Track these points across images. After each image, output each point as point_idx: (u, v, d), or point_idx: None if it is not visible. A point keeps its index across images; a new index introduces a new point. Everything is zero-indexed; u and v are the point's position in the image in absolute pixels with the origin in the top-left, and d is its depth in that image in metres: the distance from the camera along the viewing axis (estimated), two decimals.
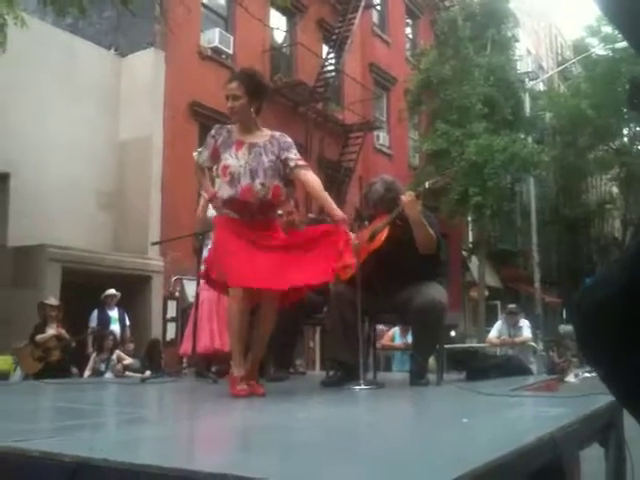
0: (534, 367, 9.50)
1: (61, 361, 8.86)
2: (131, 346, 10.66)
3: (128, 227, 13.43)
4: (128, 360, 10.14)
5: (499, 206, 21.16)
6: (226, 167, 3.69)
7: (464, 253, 25.57)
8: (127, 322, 10.80)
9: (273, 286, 3.56)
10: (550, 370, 16.12)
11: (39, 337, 8.77)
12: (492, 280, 25.68)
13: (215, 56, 15.26)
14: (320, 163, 17.60)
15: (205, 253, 5.16)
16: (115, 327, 10.43)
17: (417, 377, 4.36)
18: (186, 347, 5.52)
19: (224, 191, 3.69)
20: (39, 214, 11.67)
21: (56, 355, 8.79)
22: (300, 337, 6.77)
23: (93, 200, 13.17)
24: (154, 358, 10.50)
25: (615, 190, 38.11)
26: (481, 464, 1.44)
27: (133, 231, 13.25)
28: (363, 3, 19.35)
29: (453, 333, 20.05)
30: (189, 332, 5.43)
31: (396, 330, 9.34)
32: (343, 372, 4.37)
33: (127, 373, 9.73)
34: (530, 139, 22.79)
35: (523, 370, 5.59)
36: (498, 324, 10.67)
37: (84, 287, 10.93)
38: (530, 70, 27.17)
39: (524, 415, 3.05)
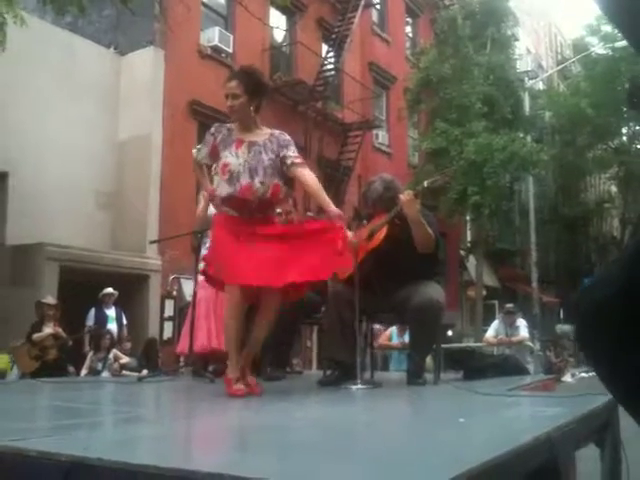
0: (531, 367, 9.51)
1: (58, 360, 8.87)
2: (128, 345, 10.67)
3: (126, 226, 13.43)
4: (125, 359, 10.15)
5: (498, 205, 21.17)
6: (226, 165, 3.69)
7: (462, 252, 25.57)
8: (124, 321, 10.80)
9: (271, 283, 3.56)
10: (547, 370, 16.16)
11: (36, 336, 8.77)
12: (490, 279, 25.69)
13: (215, 55, 15.25)
14: (319, 162, 17.59)
15: (203, 251, 5.16)
16: (112, 326, 10.42)
17: (414, 376, 4.36)
18: (183, 346, 5.52)
19: (223, 189, 3.69)
20: (38, 213, 11.67)
21: (53, 354, 8.79)
22: (297, 336, 6.76)
23: (92, 199, 13.16)
24: (151, 357, 10.51)
25: (614, 189, 38.13)
26: (478, 464, 1.44)
27: (131, 230, 13.24)
28: (363, 2, 19.34)
29: (450, 332, 20.10)
30: (186, 331, 5.43)
31: (393, 329, 9.35)
32: (340, 371, 4.37)
33: (124, 372, 9.73)
34: (529, 138, 22.80)
35: (520, 370, 5.59)
36: (495, 323, 10.68)
37: (82, 286, 10.93)
38: (530, 69, 27.19)
39: (521, 415, 3.05)
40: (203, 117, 14.06)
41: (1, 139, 11.30)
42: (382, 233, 4.40)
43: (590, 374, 20.96)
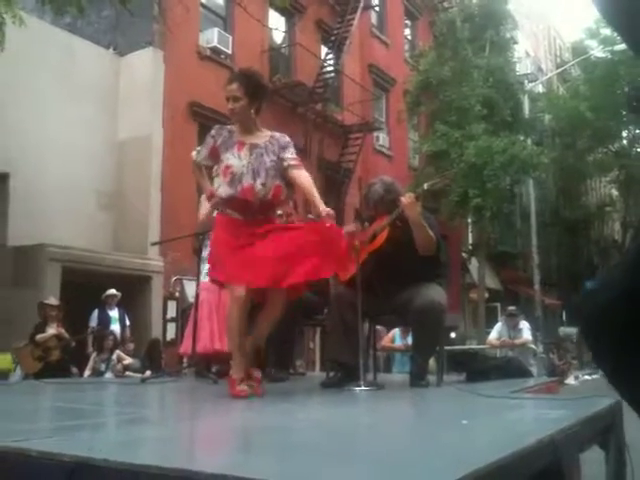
0: (534, 369, 9.51)
1: (61, 361, 8.86)
2: (131, 346, 10.66)
3: (128, 227, 13.43)
4: (128, 360, 10.14)
5: (499, 208, 21.17)
6: (228, 167, 3.69)
7: (464, 255, 25.58)
8: (127, 322, 10.80)
9: (273, 285, 3.56)
10: (550, 372, 16.16)
11: (39, 337, 8.76)
12: (492, 282, 25.70)
13: (214, 56, 15.26)
14: (320, 164, 17.61)
15: (205, 253, 5.16)
16: (115, 327, 10.43)
17: (417, 378, 4.36)
18: (186, 346, 5.52)
19: (223, 190, 3.69)
20: (39, 213, 11.67)
21: (56, 355, 8.79)
22: (300, 338, 6.78)
23: (93, 200, 13.17)
24: (154, 358, 10.50)
25: (615, 192, 38.18)
26: (482, 466, 1.44)
27: (133, 231, 13.24)
28: (362, 4, 19.36)
29: (453, 335, 20.03)
30: (189, 332, 5.43)
31: (397, 331, 9.34)
32: (343, 373, 4.37)
33: (127, 373, 9.73)
34: (529, 141, 22.80)
35: (523, 372, 5.58)
36: (498, 326, 10.67)
37: (84, 287, 10.93)
38: (529, 72, 27.22)
39: (524, 417, 3.05)
40: (203, 118, 14.07)
41: (1, 140, 11.31)
42: (383, 235, 4.40)
43: (594, 376, 20.99)
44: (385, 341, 9.55)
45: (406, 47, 24.68)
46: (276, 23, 17.87)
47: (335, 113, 18.83)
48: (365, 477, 1.53)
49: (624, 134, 33.35)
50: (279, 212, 4.67)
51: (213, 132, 3.84)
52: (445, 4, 24.63)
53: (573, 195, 34.71)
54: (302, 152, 15.44)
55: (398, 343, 9.42)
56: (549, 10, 42.86)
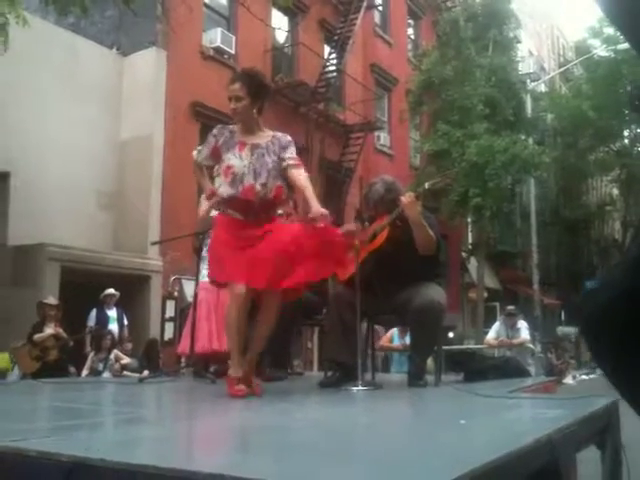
0: (532, 369, 9.51)
1: (59, 360, 8.86)
2: (129, 346, 10.66)
3: (128, 227, 13.43)
4: (126, 360, 10.14)
5: (499, 207, 21.17)
6: (229, 167, 3.69)
7: (463, 254, 25.57)
8: (125, 322, 10.79)
9: (272, 286, 3.56)
10: (548, 372, 16.18)
11: (37, 336, 8.77)
12: (491, 281, 25.68)
13: (217, 56, 15.25)
14: (321, 163, 17.61)
15: (205, 252, 5.17)
16: (113, 327, 10.41)
17: (415, 378, 4.36)
18: (184, 346, 5.52)
19: (224, 190, 3.70)
20: (39, 213, 11.67)
21: (54, 354, 8.79)
22: (298, 337, 6.77)
23: (93, 199, 13.17)
24: (152, 358, 10.50)
25: (615, 192, 38.14)
26: (479, 465, 1.44)
27: (133, 231, 13.24)
28: (365, 3, 19.37)
29: (451, 334, 20.10)
30: (187, 332, 5.43)
31: (395, 331, 9.35)
32: (341, 373, 4.37)
33: (125, 373, 9.73)
34: (531, 140, 22.79)
35: (521, 372, 5.58)
36: (496, 325, 10.67)
37: (83, 286, 10.93)
38: (532, 71, 27.17)
39: (522, 417, 3.05)
40: (205, 118, 14.07)
41: (3, 139, 11.32)
42: (383, 235, 4.40)
43: (591, 376, 21.00)
44: (383, 341, 9.55)
45: (409, 47, 24.66)
46: (279, 23, 17.87)
47: (337, 112, 18.82)
48: (363, 477, 1.53)
49: (626, 133, 33.33)
50: (280, 212, 4.68)
51: (215, 132, 3.84)
52: (448, 3, 24.62)
53: (574, 194, 34.70)
54: (303, 151, 15.45)
55: (396, 343, 9.43)
56: (552, 9, 42.83)
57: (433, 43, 23.13)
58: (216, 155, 3.80)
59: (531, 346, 11.09)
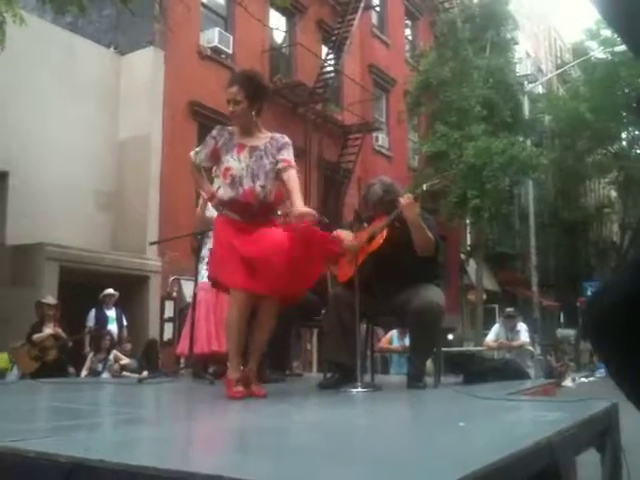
0: (531, 371, 9.50)
1: (58, 360, 8.85)
2: (128, 346, 10.65)
3: (126, 226, 13.43)
4: (125, 360, 10.13)
5: (497, 209, 21.18)
6: (228, 169, 3.69)
7: (462, 256, 25.58)
8: (124, 322, 10.78)
9: (270, 292, 3.56)
10: (547, 374, 16.18)
11: (36, 336, 8.75)
12: (490, 283, 25.70)
13: (214, 56, 15.26)
14: (319, 164, 17.63)
15: (204, 253, 5.16)
16: (112, 327, 10.39)
17: (414, 380, 4.35)
18: (183, 346, 5.51)
19: (225, 192, 3.69)
20: (38, 213, 11.67)
21: (53, 354, 8.78)
22: (297, 339, 6.77)
23: (92, 199, 13.16)
24: (151, 358, 10.50)
25: (613, 194, 38.18)
26: (479, 467, 1.44)
27: (131, 231, 13.24)
28: (362, 4, 19.37)
29: (451, 336, 20.12)
30: (186, 332, 5.42)
31: (394, 333, 9.34)
32: (340, 374, 4.36)
33: (124, 373, 9.72)
34: (529, 142, 22.83)
35: (520, 374, 5.58)
36: (495, 327, 10.67)
37: (82, 286, 10.93)
38: (529, 73, 27.25)
39: (521, 419, 3.05)
40: (203, 118, 14.08)
41: (1, 139, 11.31)
42: (382, 236, 4.39)
43: (591, 379, 21.03)
44: (383, 342, 9.54)
45: (407, 47, 24.68)
46: (277, 23, 17.87)
47: (335, 113, 18.83)
48: (362, 479, 1.53)
49: (623, 135, 33.37)
50: (279, 212, 4.67)
51: (214, 133, 3.82)
52: (446, 4, 24.65)
53: (572, 196, 34.74)
54: (302, 152, 15.46)
55: (395, 344, 9.42)
56: (550, 11, 42.80)
57: (431, 44, 23.15)
58: (215, 156, 3.79)
59: (530, 348, 11.09)
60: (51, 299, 9.34)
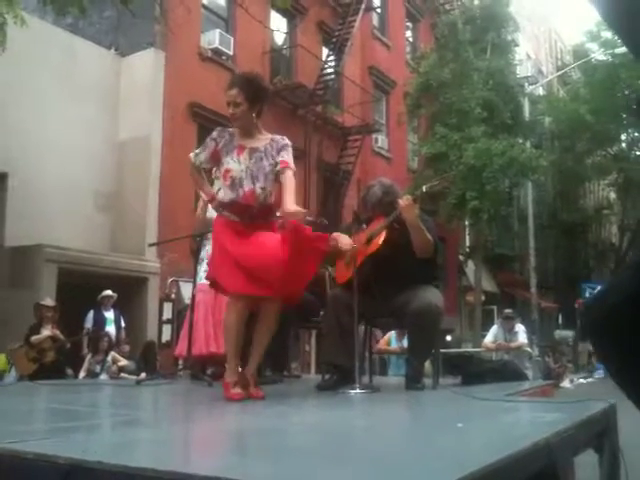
0: (530, 372, 9.51)
1: (56, 362, 8.84)
2: (126, 348, 10.64)
3: (126, 228, 13.42)
4: (123, 362, 10.13)
5: (496, 210, 21.18)
6: (228, 171, 3.69)
7: (461, 257, 25.58)
8: (122, 323, 10.77)
9: (269, 294, 3.56)
10: (546, 375, 16.18)
11: (34, 338, 8.75)
12: (488, 285, 25.70)
13: (215, 57, 15.27)
14: (319, 165, 17.63)
15: (202, 254, 5.16)
16: (110, 328, 10.38)
17: (413, 381, 4.35)
18: (181, 348, 5.50)
19: (225, 194, 3.69)
20: (37, 214, 11.66)
21: (51, 356, 8.77)
22: (295, 340, 6.76)
23: (91, 200, 13.16)
24: (149, 360, 10.49)
25: (613, 195, 38.19)
26: (477, 469, 1.44)
27: (130, 232, 13.23)
28: (363, 6, 19.38)
29: (449, 337, 20.13)
30: (185, 334, 5.41)
31: (392, 334, 9.33)
32: (339, 376, 4.36)
33: (122, 375, 9.71)
34: (529, 143, 22.84)
35: (519, 375, 5.58)
36: (494, 329, 10.68)
37: (80, 288, 10.91)
38: (529, 74, 27.23)
39: (519, 420, 3.05)
40: (203, 119, 14.09)
41: (1, 139, 11.31)
42: (381, 237, 4.39)
43: (589, 380, 21.03)
44: (381, 344, 9.54)
45: (407, 49, 24.68)
46: (277, 24, 17.85)
47: (335, 115, 18.83)
48: (361, 479, 1.53)
49: (623, 137, 33.39)
50: (278, 214, 4.67)
51: (215, 134, 3.81)
52: (447, 6, 24.67)
53: (571, 198, 34.75)
54: (301, 154, 15.46)
55: (394, 346, 9.41)
56: (550, 13, 42.70)
57: (431, 46, 23.18)
58: (216, 158, 3.78)
59: (529, 349, 11.09)
60: (49, 301, 9.34)
